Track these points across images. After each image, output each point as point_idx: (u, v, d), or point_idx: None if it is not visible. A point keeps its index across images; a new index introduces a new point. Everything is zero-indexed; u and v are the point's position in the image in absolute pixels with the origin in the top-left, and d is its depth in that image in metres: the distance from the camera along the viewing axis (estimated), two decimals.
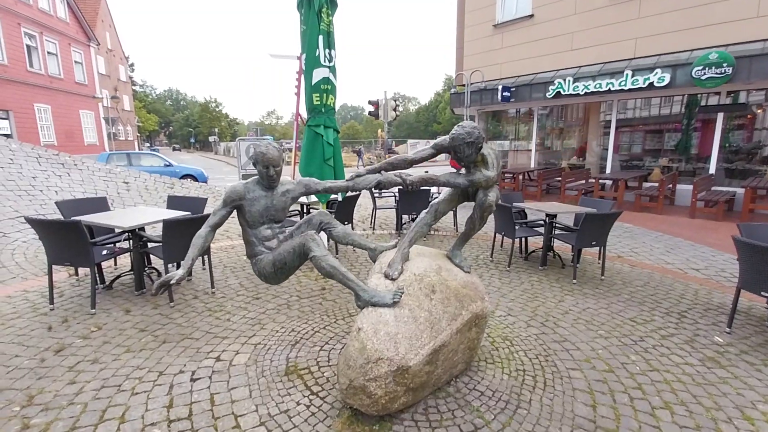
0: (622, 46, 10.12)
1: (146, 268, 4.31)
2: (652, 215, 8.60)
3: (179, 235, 3.59)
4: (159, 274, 4.35)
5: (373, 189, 2.65)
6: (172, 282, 2.21)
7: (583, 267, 5.05)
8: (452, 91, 14.85)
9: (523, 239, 5.53)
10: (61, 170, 7.61)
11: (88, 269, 4.02)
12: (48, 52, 20.66)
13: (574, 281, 4.49)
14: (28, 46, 19.18)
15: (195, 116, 66.41)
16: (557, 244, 5.45)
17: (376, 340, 2.04)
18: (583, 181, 11.14)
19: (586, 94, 10.32)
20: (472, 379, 2.58)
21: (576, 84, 10.41)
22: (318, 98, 4.23)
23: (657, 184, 9.65)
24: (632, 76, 9.52)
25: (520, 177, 12.06)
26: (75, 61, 23.18)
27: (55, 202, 4.29)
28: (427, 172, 3.34)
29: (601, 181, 10.29)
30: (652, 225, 7.64)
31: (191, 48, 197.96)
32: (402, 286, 2.36)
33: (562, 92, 10.67)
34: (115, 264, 4.78)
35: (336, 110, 4.46)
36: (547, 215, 4.99)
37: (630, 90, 9.61)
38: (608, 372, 2.74)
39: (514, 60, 12.39)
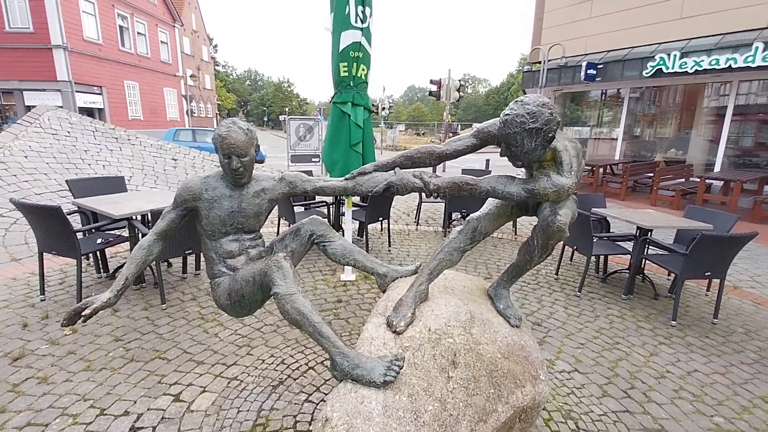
0: (750, 12, 7.97)
1: None
2: None
3: None
4: (158, 265, 3.92)
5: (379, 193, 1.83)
6: (86, 312, 1.61)
7: (685, 300, 3.80)
8: (525, 68, 13.17)
9: (602, 256, 4.36)
10: (114, 145, 7.68)
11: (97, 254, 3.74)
12: (138, 33, 22.06)
13: (673, 323, 3.30)
14: (120, 27, 20.58)
15: (269, 96, 69.15)
16: (649, 264, 4.21)
17: None
18: (683, 180, 9.21)
19: (696, 72, 8.33)
20: None
21: (684, 60, 8.45)
22: (346, 68, 3.40)
23: None
24: (764, 49, 7.44)
25: (600, 171, 10.31)
26: (161, 41, 24.59)
27: (66, 180, 4.03)
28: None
29: (707, 181, 8.38)
30: None
31: (271, 28, 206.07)
32: (407, 348, 1.55)
33: (665, 69, 8.75)
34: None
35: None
36: (638, 229, 3.80)
37: (759, 68, 7.55)
38: None
39: (603, 32, 10.49)
